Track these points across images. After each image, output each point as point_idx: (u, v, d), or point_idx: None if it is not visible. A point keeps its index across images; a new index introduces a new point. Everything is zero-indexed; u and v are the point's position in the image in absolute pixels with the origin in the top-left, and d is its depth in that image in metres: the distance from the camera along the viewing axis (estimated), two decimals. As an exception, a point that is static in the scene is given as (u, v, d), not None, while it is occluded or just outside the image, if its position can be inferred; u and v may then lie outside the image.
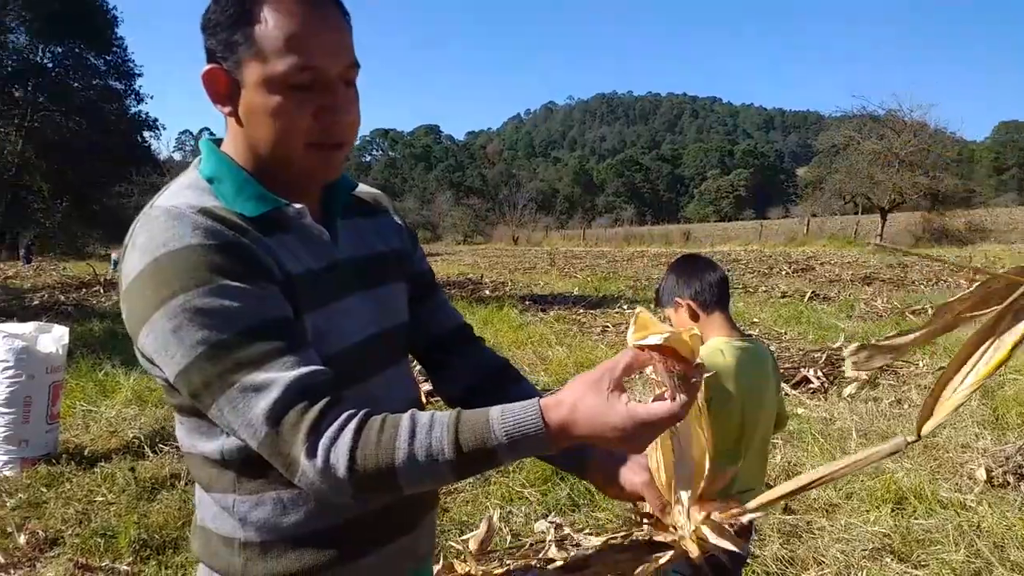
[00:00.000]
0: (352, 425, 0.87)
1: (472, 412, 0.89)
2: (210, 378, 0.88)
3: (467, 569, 1.63)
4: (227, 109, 1.01)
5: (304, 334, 0.97)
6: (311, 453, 0.85)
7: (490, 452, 0.86)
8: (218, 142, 1.09)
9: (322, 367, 0.92)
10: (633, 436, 0.85)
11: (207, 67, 0.99)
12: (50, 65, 34.28)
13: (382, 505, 1.09)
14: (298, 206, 1.04)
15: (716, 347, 1.97)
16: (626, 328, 0.91)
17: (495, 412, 0.88)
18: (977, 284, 0.86)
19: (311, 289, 1.02)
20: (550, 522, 3.56)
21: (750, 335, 2.09)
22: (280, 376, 0.87)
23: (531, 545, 3.40)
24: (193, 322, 0.87)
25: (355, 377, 1.06)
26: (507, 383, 1.27)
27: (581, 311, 10.66)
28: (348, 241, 1.14)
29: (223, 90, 1.00)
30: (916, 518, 3.63)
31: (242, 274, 0.91)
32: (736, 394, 1.91)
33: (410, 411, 0.91)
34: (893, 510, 3.71)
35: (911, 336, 0.92)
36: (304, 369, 0.89)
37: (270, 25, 0.95)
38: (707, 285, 2.01)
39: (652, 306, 2.21)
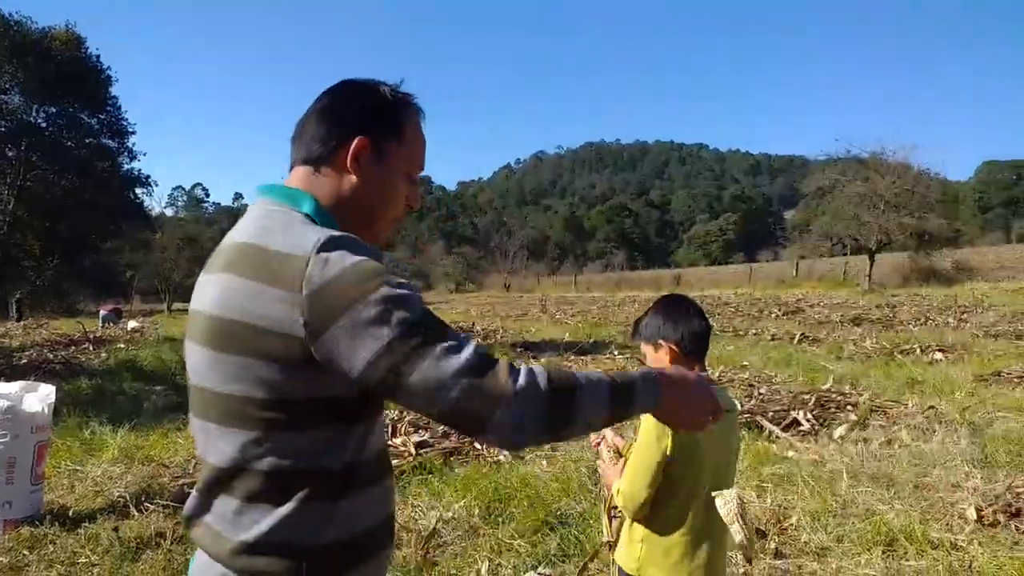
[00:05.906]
0: (538, 365, 1.12)
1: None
2: (414, 347, 1.04)
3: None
4: (352, 166, 1.25)
5: None
6: (515, 381, 1.04)
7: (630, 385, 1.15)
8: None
9: None
10: None
11: (360, 138, 1.25)
12: (44, 125, 34.73)
13: (386, 514, 1.27)
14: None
15: None
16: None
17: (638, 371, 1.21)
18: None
19: None
20: (539, 573, 3.52)
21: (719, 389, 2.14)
22: (466, 342, 1.08)
23: (520, 597, 3.37)
24: (395, 305, 1.06)
25: (381, 408, 1.25)
26: None
27: (572, 357, 10.66)
28: None
29: (361, 157, 1.25)
30: (907, 560, 3.61)
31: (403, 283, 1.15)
32: (703, 441, 1.92)
33: None
34: (884, 552, 3.68)
35: None
36: (474, 340, 1.11)
37: (411, 135, 1.31)
38: (692, 333, 2.02)
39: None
